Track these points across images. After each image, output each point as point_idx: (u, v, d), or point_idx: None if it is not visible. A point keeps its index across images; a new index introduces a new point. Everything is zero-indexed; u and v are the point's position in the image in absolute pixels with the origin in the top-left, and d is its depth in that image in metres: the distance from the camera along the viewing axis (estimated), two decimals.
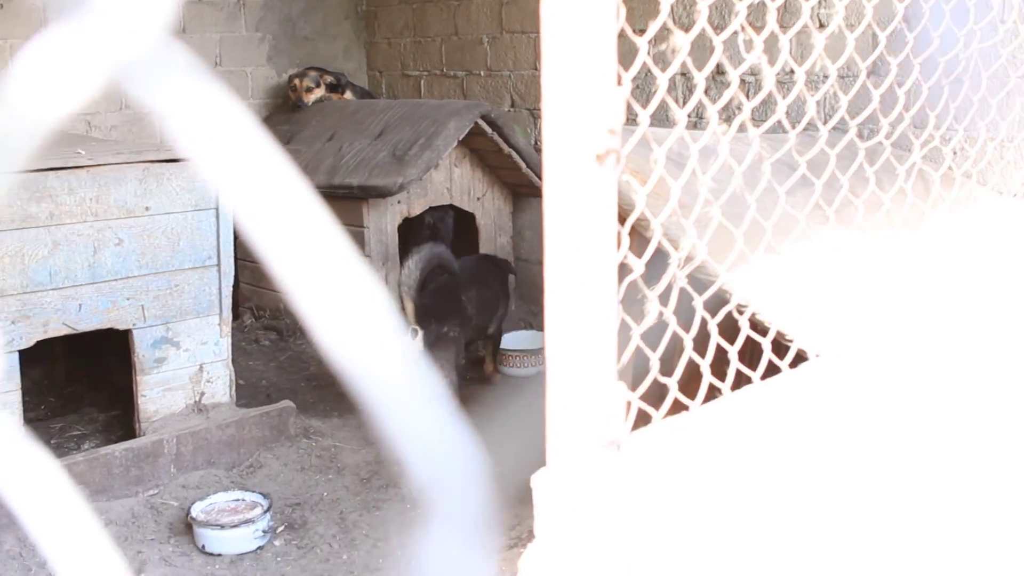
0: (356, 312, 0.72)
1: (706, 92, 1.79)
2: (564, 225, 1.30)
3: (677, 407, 1.73)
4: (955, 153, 2.86)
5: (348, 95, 7.13)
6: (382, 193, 5.82)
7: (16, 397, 3.99)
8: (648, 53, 1.50)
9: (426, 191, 6.18)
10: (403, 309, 4.68)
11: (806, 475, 1.82)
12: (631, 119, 1.45)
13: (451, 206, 6.39)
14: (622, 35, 1.33)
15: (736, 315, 1.98)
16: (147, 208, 4.25)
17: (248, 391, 5.33)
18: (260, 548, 3.83)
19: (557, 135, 1.28)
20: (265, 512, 3.90)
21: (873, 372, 2.10)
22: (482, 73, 6.91)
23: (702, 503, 1.65)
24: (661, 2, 1.58)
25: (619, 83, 1.29)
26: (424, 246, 4.93)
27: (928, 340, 2.27)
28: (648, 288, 1.62)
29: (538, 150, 6.21)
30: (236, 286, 4.71)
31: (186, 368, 4.47)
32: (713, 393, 1.81)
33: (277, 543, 3.88)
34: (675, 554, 1.58)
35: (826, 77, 4.53)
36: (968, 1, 2.97)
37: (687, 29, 1.65)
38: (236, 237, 4.51)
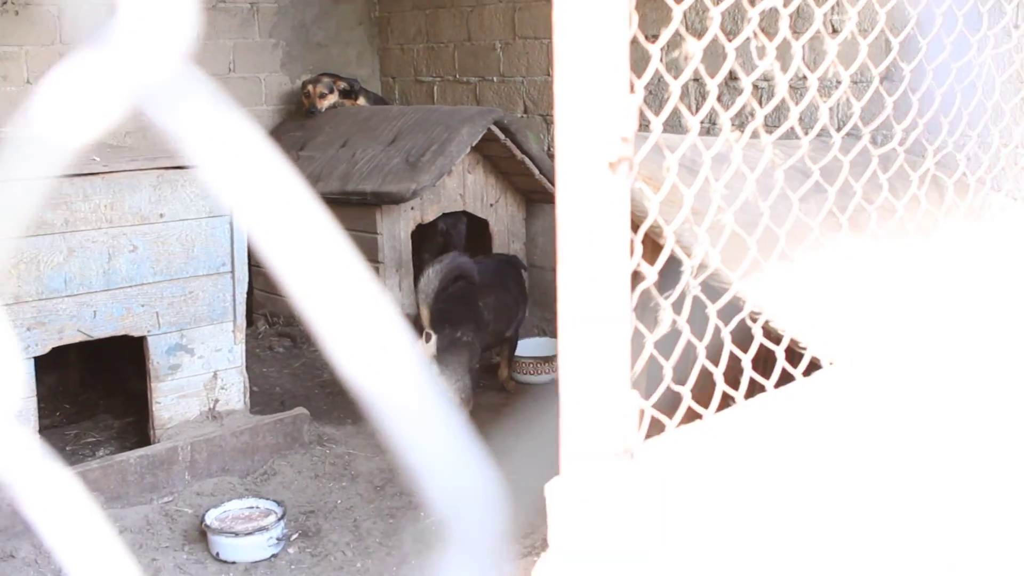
0: (364, 324, 0.72)
1: (719, 99, 1.79)
2: (577, 233, 1.30)
3: (691, 415, 1.73)
4: (968, 159, 2.85)
5: (361, 101, 7.15)
6: (395, 199, 5.82)
7: (31, 404, 4.00)
8: (661, 60, 1.50)
9: (439, 197, 6.18)
10: (419, 314, 4.69)
11: (819, 483, 1.81)
12: (643, 125, 1.45)
13: (464, 212, 6.39)
14: (634, 42, 1.33)
15: (749, 323, 1.97)
16: (161, 215, 4.27)
17: (262, 398, 5.34)
18: (274, 556, 3.84)
19: (570, 143, 1.28)
20: (279, 520, 3.90)
21: (887, 380, 2.09)
22: (495, 79, 6.92)
23: (716, 512, 1.64)
24: (674, 9, 1.58)
25: (632, 91, 1.29)
26: (447, 255, 4.93)
27: (942, 348, 2.26)
28: (661, 296, 1.62)
29: (551, 156, 6.21)
30: (250, 293, 4.72)
31: (200, 375, 4.48)
32: (727, 401, 1.80)
33: (291, 551, 3.88)
34: (689, 563, 1.58)
35: (839, 83, 4.52)
36: (981, 7, 2.96)
37: (700, 35, 1.65)
38: (250, 244, 4.51)
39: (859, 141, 2.33)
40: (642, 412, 1.45)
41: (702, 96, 5.62)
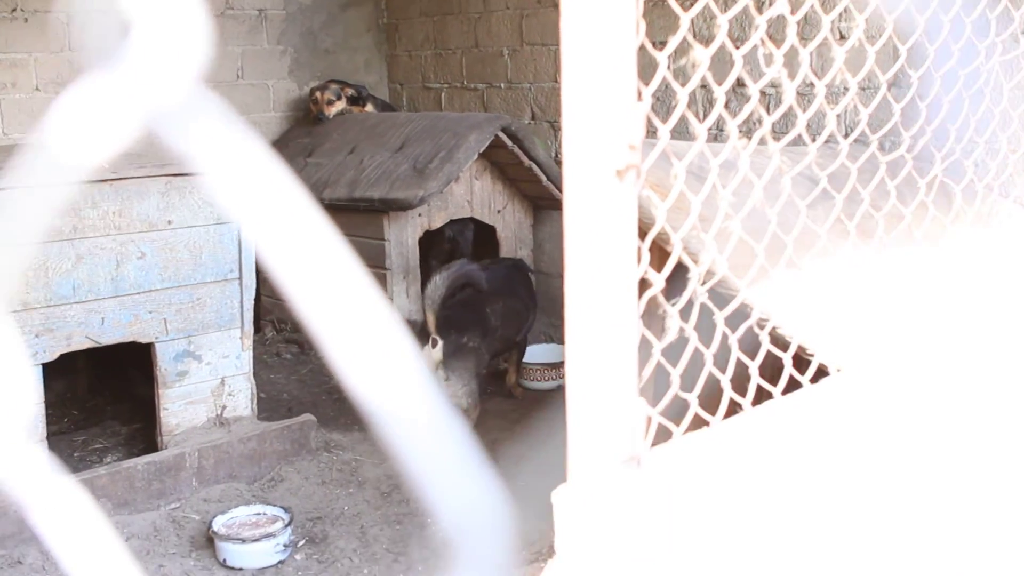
0: (368, 337, 0.72)
1: (726, 106, 1.78)
2: (584, 241, 1.30)
3: (698, 422, 1.73)
4: (976, 165, 2.84)
5: (369, 108, 7.15)
6: (403, 206, 5.83)
7: (39, 410, 4.01)
8: (668, 68, 1.50)
9: (447, 204, 6.19)
10: (426, 320, 4.69)
11: (827, 491, 1.81)
12: (651, 132, 1.45)
13: (471, 219, 6.39)
14: (642, 49, 1.33)
15: (756, 330, 1.97)
16: (169, 221, 4.27)
17: (269, 404, 5.34)
18: (281, 562, 3.84)
19: (577, 151, 1.28)
20: (286, 526, 3.90)
21: (895, 387, 2.09)
22: (502, 85, 6.92)
23: (723, 519, 1.64)
24: (681, 16, 1.58)
25: (639, 98, 1.29)
26: (455, 263, 4.93)
27: (951, 355, 2.26)
28: (669, 303, 1.62)
29: (558, 162, 6.21)
30: (257, 299, 4.72)
31: (208, 381, 4.48)
32: (734, 408, 1.80)
33: (298, 557, 3.88)
34: (696, 571, 1.58)
35: (847, 90, 4.52)
36: (990, 13, 2.95)
37: (707, 42, 1.64)
38: (259, 259, 4.52)
39: (867, 148, 2.33)
40: (649, 419, 1.45)
41: (710, 103, 5.62)
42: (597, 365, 1.32)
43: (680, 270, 1.67)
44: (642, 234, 1.39)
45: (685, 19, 1.57)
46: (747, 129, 4.65)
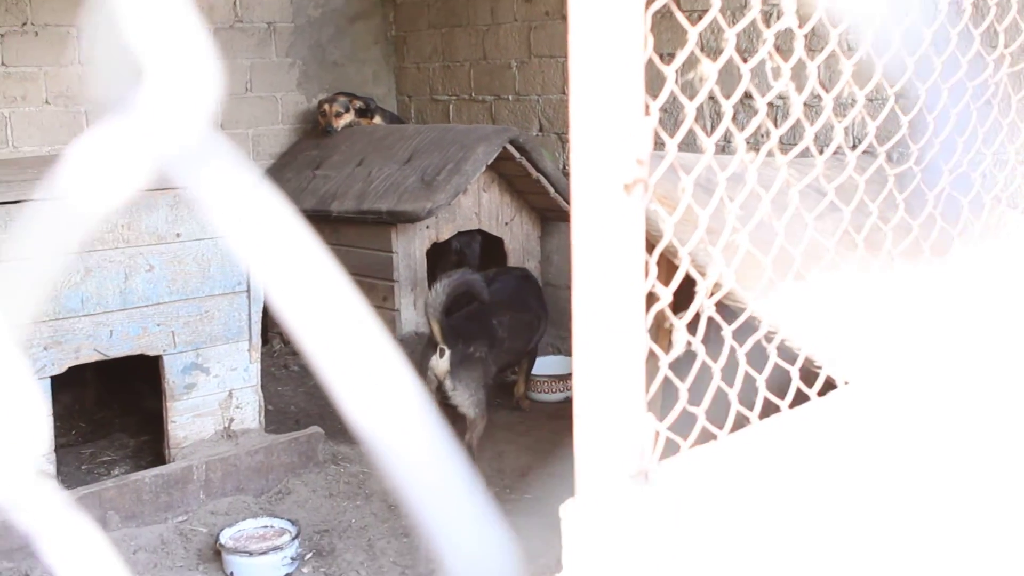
0: (368, 375, 0.73)
1: (734, 118, 1.78)
2: (592, 255, 1.30)
3: (705, 436, 1.72)
4: (984, 177, 2.84)
5: (377, 120, 7.16)
6: (411, 218, 5.83)
7: (47, 423, 4.01)
8: (676, 81, 1.50)
9: (454, 216, 6.19)
10: (430, 329, 4.68)
11: (835, 503, 1.80)
12: (658, 145, 1.45)
13: (479, 231, 6.40)
14: (650, 63, 1.33)
15: (764, 343, 1.96)
16: (178, 234, 4.28)
17: (277, 417, 5.34)
18: (288, 575, 3.83)
19: (585, 165, 1.29)
20: (293, 539, 3.90)
21: (903, 400, 2.08)
22: (510, 98, 6.93)
23: (731, 534, 1.63)
24: (689, 30, 1.58)
25: (647, 113, 1.29)
26: (457, 271, 4.92)
27: (959, 368, 2.25)
28: (676, 316, 1.62)
29: (566, 174, 6.21)
30: (265, 312, 4.72)
31: (216, 394, 4.48)
32: (741, 422, 1.80)
33: (305, 570, 3.88)
34: None
35: (854, 102, 4.52)
36: (998, 25, 2.95)
37: (715, 56, 1.64)
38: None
39: (875, 160, 2.33)
40: (657, 434, 1.44)
41: (717, 116, 5.62)
42: (605, 379, 1.32)
43: (688, 283, 1.67)
44: (650, 247, 1.39)
45: (693, 33, 1.57)
46: (755, 142, 4.65)
